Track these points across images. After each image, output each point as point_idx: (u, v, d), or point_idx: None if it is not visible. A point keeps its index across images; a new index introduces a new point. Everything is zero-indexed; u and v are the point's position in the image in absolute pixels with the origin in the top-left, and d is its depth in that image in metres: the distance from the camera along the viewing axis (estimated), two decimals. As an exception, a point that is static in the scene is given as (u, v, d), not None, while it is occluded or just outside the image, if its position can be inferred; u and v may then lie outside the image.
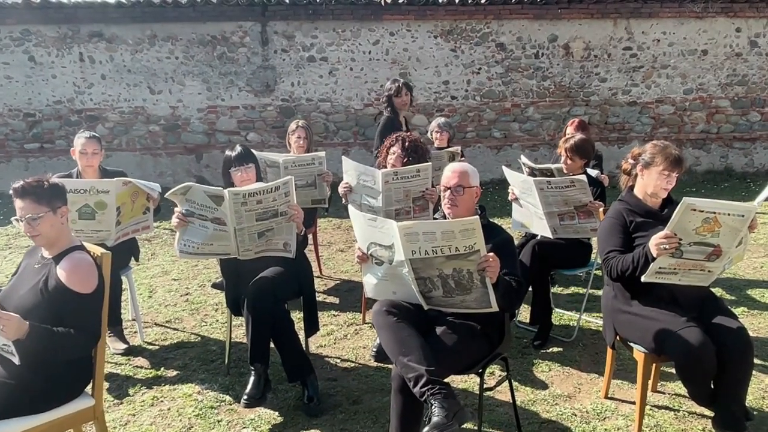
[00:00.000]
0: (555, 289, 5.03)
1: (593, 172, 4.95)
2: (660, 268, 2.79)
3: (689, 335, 2.73)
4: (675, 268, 2.81)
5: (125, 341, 4.14)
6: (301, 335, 3.76)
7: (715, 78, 9.82)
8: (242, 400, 3.26)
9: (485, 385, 2.89)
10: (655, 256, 2.73)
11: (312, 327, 3.75)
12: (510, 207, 4.51)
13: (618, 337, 3.16)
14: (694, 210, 2.63)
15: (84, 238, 3.86)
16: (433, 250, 2.56)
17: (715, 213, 2.64)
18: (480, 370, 2.83)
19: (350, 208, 2.92)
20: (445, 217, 3.07)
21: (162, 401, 3.50)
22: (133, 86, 9.18)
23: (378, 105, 9.43)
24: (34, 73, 9.04)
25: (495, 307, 2.64)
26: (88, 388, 2.66)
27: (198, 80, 9.21)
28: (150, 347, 4.21)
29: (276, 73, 9.27)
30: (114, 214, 3.84)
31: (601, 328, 4.34)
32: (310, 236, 5.56)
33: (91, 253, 2.64)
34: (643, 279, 2.82)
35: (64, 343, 2.40)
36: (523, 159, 5.14)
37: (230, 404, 3.44)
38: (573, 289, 5.09)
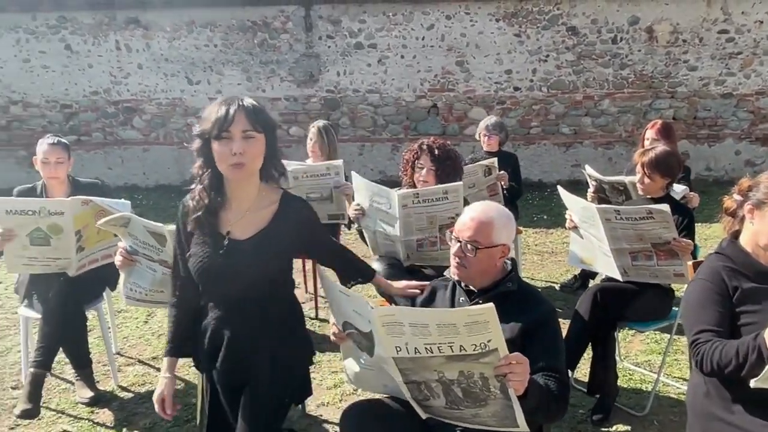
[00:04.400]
0: (623, 335, 4.04)
1: (679, 189, 3.92)
2: (782, 370, 1.83)
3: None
4: (806, 370, 1.84)
5: (93, 387, 3.47)
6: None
7: (831, 66, 8.35)
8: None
9: None
10: (775, 353, 1.78)
11: (303, 391, 2.94)
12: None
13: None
14: None
15: (40, 267, 3.23)
16: (426, 348, 1.70)
17: None
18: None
19: (320, 271, 2.10)
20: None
21: (110, 480, 2.81)
22: (170, 76, 8.63)
23: (431, 97, 8.54)
24: (70, 62, 8.63)
25: (523, 426, 1.77)
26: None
27: (238, 69, 8.56)
28: (122, 394, 3.53)
29: (320, 62, 8.50)
30: (72, 239, 3.16)
31: (683, 396, 3.36)
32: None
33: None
34: (752, 384, 1.87)
35: None
36: (589, 170, 4.18)
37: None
38: (648, 335, 4.07)
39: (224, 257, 1.97)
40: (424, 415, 1.92)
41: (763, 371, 1.82)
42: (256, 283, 1.98)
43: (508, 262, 2.17)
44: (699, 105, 8.51)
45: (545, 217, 7.15)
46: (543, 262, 5.70)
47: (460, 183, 3.25)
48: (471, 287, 2.14)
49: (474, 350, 1.65)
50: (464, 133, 8.50)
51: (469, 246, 2.05)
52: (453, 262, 2.11)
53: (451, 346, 1.66)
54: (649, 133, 4.38)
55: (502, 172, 4.59)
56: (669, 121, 6.64)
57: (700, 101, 8.48)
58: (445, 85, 8.50)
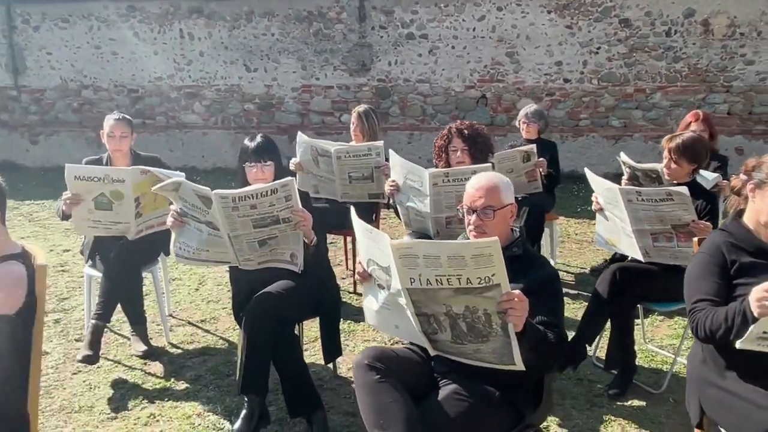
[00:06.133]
0: (651, 320, 4.13)
1: (709, 177, 3.98)
2: (765, 332, 1.95)
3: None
4: (789, 335, 1.96)
5: (147, 343, 3.81)
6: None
7: None
8: (230, 437, 2.75)
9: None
10: (756, 315, 1.90)
11: (332, 352, 3.20)
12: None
13: (705, 416, 2.33)
14: None
15: (103, 230, 3.59)
16: (437, 280, 1.90)
17: None
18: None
19: (352, 211, 2.31)
20: None
21: (157, 421, 3.11)
22: (229, 64, 9.04)
23: (480, 87, 8.65)
24: (137, 49, 9.14)
25: (519, 365, 1.94)
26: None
27: (293, 58, 8.89)
28: (172, 350, 3.86)
29: (372, 52, 8.73)
30: (132, 205, 3.49)
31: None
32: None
33: (32, 263, 2.24)
34: (738, 345, 2.00)
35: None
36: (623, 157, 4.27)
37: (226, 435, 2.99)
38: (676, 321, 4.14)
39: None
40: (432, 351, 2.11)
41: (747, 332, 1.95)
42: None
43: (516, 228, 2.34)
44: (756, 100, 8.32)
45: (589, 209, 7.15)
46: (581, 250, 5.79)
47: (489, 164, 3.42)
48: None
49: (479, 283, 1.84)
50: (512, 124, 8.52)
51: (486, 211, 2.23)
52: (472, 233, 2.29)
53: (459, 279, 1.86)
54: (693, 126, 4.42)
55: (540, 158, 4.70)
56: (722, 107, 6.63)
57: (757, 96, 8.29)
58: (494, 75, 8.60)
